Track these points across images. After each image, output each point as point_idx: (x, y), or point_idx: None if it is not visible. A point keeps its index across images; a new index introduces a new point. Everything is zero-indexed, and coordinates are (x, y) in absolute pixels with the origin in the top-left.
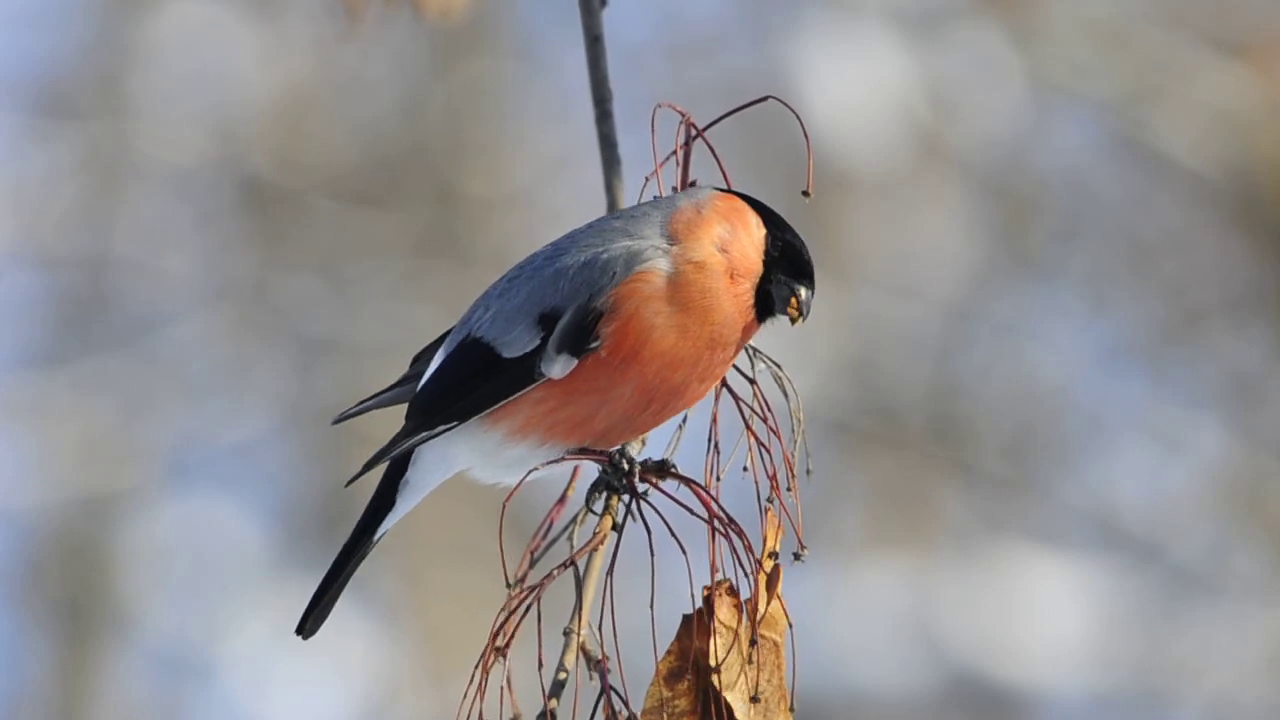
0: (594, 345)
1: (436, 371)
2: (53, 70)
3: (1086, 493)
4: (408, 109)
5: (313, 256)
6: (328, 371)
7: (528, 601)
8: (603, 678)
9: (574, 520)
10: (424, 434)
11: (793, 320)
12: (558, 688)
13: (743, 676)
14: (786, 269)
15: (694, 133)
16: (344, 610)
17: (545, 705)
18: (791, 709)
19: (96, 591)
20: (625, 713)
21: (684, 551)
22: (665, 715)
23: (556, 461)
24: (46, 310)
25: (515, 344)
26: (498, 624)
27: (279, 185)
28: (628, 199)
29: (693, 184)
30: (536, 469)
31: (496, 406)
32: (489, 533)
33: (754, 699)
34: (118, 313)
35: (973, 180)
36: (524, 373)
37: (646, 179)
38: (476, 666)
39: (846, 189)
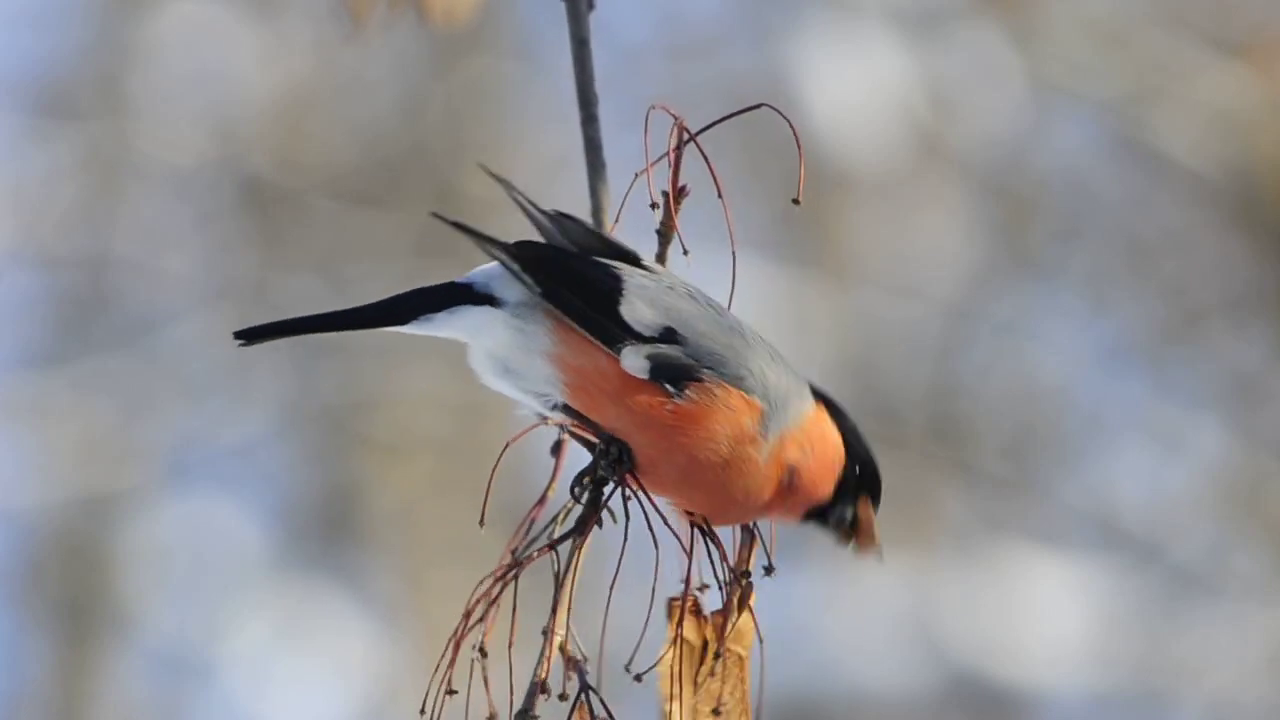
0: (668, 388)
1: (578, 258)
2: (53, 70)
3: (1086, 493)
4: (408, 109)
5: (313, 256)
6: (328, 371)
7: (508, 580)
8: (581, 678)
9: (554, 520)
10: (517, 269)
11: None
12: (535, 688)
13: (691, 692)
14: (855, 491)
15: (686, 137)
16: (344, 610)
17: (525, 703)
18: None
19: (96, 591)
20: (604, 714)
21: (657, 545)
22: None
23: (549, 415)
24: (46, 310)
25: (633, 315)
26: (473, 600)
27: (279, 185)
28: (614, 201)
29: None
30: (534, 415)
31: (567, 320)
32: (489, 533)
33: (715, 711)
34: (118, 313)
35: (973, 180)
36: (613, 334)
37: (636, 175)
38: (446, 648)
39: (846, 189)
